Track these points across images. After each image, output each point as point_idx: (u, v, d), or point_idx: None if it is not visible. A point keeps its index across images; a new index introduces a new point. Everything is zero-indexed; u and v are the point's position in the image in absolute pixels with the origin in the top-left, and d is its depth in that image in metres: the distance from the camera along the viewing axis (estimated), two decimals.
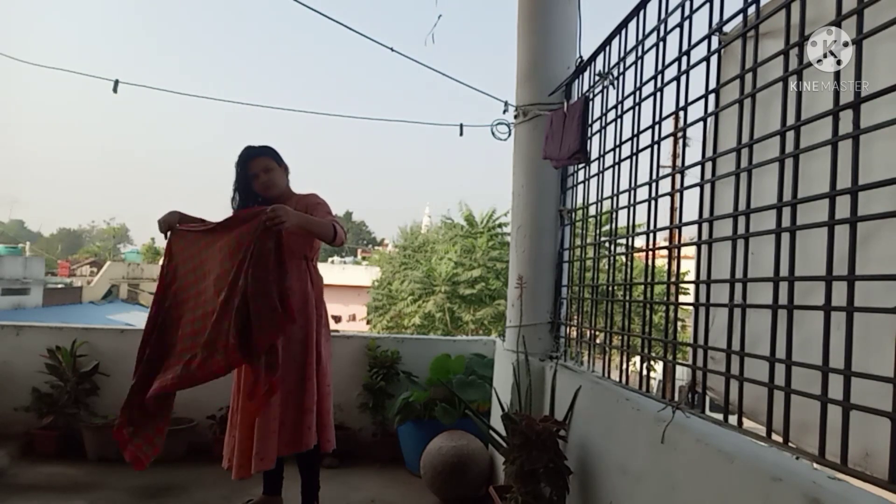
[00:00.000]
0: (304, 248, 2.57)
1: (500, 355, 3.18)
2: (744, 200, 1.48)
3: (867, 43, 1.16)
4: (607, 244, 2.46)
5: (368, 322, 19.00)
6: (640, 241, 2.15)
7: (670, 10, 1.87)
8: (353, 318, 21.73)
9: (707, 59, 1.69)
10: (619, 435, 1.90)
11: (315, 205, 2.58)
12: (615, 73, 2.28)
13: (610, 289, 2.41)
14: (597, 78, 2.43)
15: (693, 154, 1.78)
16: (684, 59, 1.79)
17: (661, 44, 1.94)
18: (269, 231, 2.19)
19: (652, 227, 1.97)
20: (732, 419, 1.48)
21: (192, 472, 3.34)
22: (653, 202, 1.98)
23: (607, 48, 2.35)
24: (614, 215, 2.33)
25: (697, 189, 1.70)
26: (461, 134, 5.58)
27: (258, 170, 2.57)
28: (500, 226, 17.42)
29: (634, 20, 2.10)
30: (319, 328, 2.58)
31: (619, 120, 2.25)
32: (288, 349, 2.45)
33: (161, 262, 2.56)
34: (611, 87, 2.33)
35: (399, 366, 3.86)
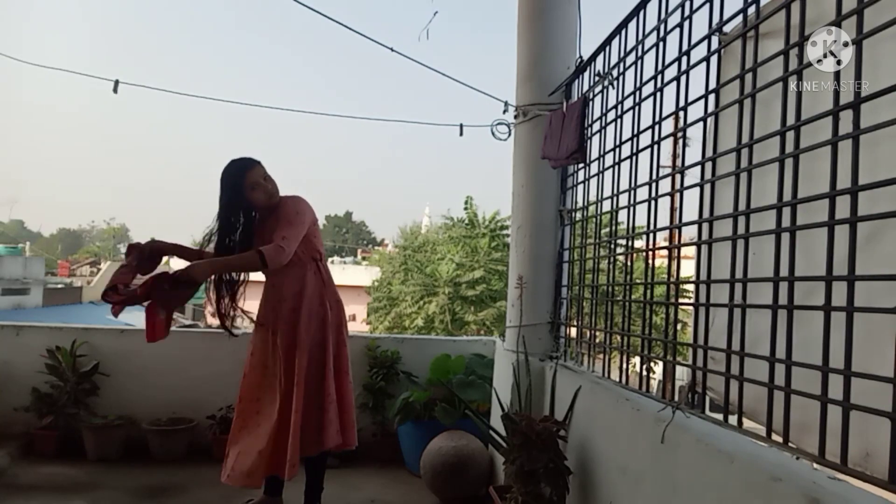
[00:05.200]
0: (311, 251, 2.59)
1: (500, 355, 3.19)
2: (744, 200, 1.48)
3: (869, 43, 1.16)
4: (607, 244, 2.46)
5: (369, 323, 18.95)
6: (640, 242, 2.15)
7: (670, 10, 1.87)
8: (353, 318, 21.70)
9: (707, 59, 1.69)
10: (619, 435, 1.90)
11: (284, 219, 2.48)
12: (615, 74, 2.28)
13: (610, 289, 2.41)
14: (596, 78, 2.43)
15: (693, 154, 1.78)
16: (684, 59, 1.79)
17: (661, 44, 1.94)
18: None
19: (652, 228, 1.97)
20: (732, 419, 1.48)
21: (192, 472, 3.34)
22: (653, 202, 1.98)
23: (607, 48, 2.35)
24: (614, 215, 2.33)
25: (697, 189, 1.70)
26: (461, 134, 5.59)
27: (259, 178, 2.49)
28: (502, 227, 17.38)
29: (634, 20, 2.10)
30: (337, 328, 2.61)
31: (618, 120, 2.25)
32: (307, 352, 2.50)
33: None
34: (611, 88, 2.33)
35: (399, 366, 3.86)
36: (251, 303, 2.69)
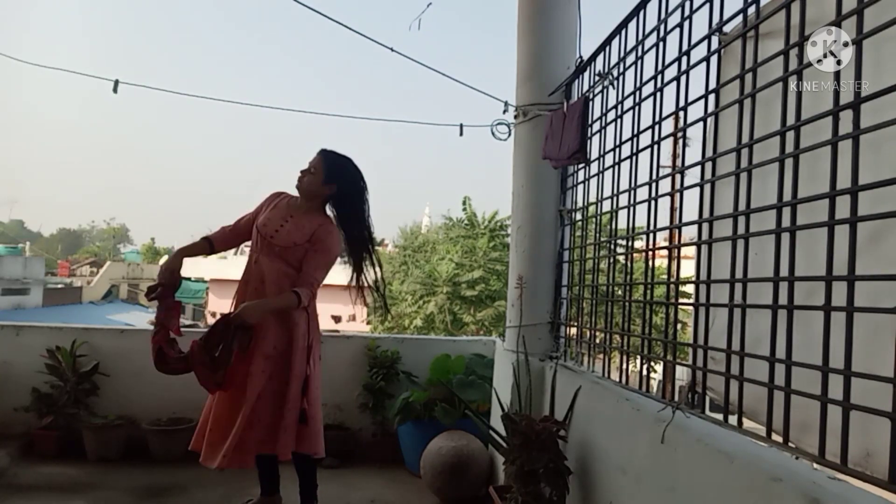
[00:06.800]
0: (296, 263, 2.52)
1: (500, 355, 3.19)
2: (744, 200, 1.48)
3: (873, 44, 1.16)
4: (607, 244, 2.46)
5: (368, 323, 18.94)
6: (640, 242, 2.15)
7: (670, 10, 1.87)
8: (352, 318, 21.68)
9: (707, 59, 1.69)
10: (619, 435, 1.90)
11: (321, 258, 2.51)
12: (615, 74, 2.28)
13: (610, 289, 2.41)
14: (597, 78, 2.43)
15: (693, 154, 1.78)
16: (684, 59, 1.79)
17: (661, 44, 1.94)
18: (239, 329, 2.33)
19: (652, 228, 1.97)
20: (732, 419, 1.48)
21: (192, 472, 3.34)
22: (653, 202, 1.98)
23: (607, 48, 2.35)
24: (614, 215, 2.33)
25: (697, 189, 1.70)
26: (461, 134, 5.57)
27: (309, 164, 2.57)
28: (501, 227, 17.37)
29: (634, 20, 2.10)
30: (303, 336, 2.50)
31: (618, 120, 2.25)
32: (269, 357, 2.43)
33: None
34: (611, 87, 2.33)
35: (399, 366, 3.86)
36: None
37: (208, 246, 2.64)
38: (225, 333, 2.33)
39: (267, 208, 2.62)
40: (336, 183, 2.55)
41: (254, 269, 2.54)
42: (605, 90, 2.40)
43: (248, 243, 2.70)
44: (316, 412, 2.55)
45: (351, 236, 2.62)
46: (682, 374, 7.71)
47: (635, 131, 2.11)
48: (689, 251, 1.83)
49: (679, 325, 2.14)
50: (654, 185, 1.97)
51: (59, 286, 25.52)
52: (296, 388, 2.44)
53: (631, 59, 2.16)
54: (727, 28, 1.63)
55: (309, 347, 2.51)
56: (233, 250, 2.77)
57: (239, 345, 2.33)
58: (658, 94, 1.95)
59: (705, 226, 1.67)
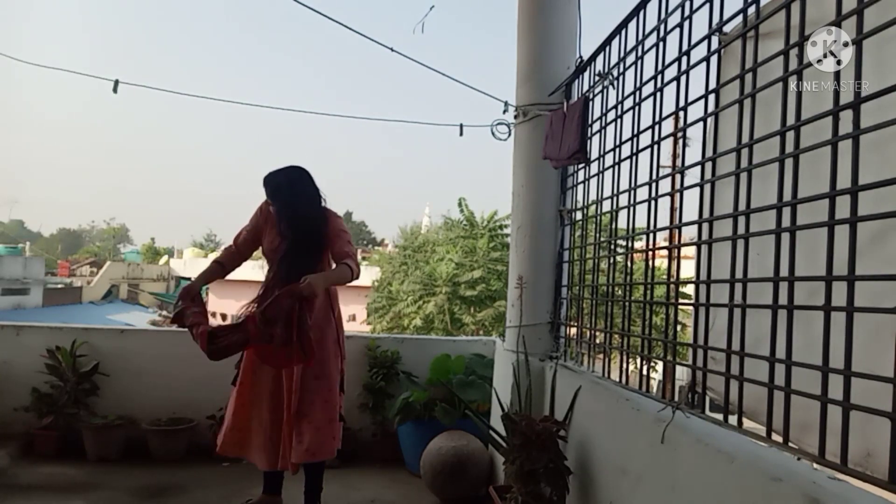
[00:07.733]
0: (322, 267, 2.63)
1: (500, 355, 3.18)
2: (744, 201, 1.48)
3: (875, 44, 1.16)
4: (607, 244, 2.46)
5: (368, 323, 18.95)
6: (640, 242, 2.15)
7: (670, 10, 1.87)
8: (353, 318, 21.69)
9: (707, 59, 1.69)
10: (619, 435, 1.90)
11: (334, 239, 2.58)
12: (615, 74, 2.28)
13: (610, 289, 2.41)
14: (597, 78, 2.43)
15: (693, 154, 1.78)
16: (684, 59, 1.79)
17: (661, 44, 1.94)
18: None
19: (652, 228, 1.97)
20: (732, 419, 1.48)
21: (192, 472, 3.34)
22: (653, 202, 1.98)
23: (607, 48, 2.35)
24: (614, 215, 2.33)
25: (697, 189, 1.70)
26: (461, 134, 5.57)
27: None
28: (501, 227, 17.36)
29: (634, 20, 2.10)
30: (337, 334, 2.67)
31: (618, 120, 2.25)
32: (326, 362, 2.56)
33: None
34: (611, 87, 2.33)
35: (399, 366, 3.86)
36: (225, 301, 2.70)
37: (221, 268, 2.70)
38: (289, 307, 2.28)
39: (267, 227, 2.64)
40: (275, 202, 2.57)
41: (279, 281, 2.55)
42: (605, 90, 2.40)
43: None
44: (341, 401, 2.69)
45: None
46: (682, 374, 7.71)
47: (635, 131, 2.11)
48: (689, 251, 1.83)
49: (679, 326, 2.14)
50: (654, 185, 1.97)
51: (59, 286, 25.51)
52: (335, 391, 2.58)
53: (631, 59, 2.16)
54: (727, 28, 1.63)
55: (340, 349, 2.66)
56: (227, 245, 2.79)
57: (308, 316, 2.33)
58: (658, 94, 1.95)
59: (705, 226, 1.67)
